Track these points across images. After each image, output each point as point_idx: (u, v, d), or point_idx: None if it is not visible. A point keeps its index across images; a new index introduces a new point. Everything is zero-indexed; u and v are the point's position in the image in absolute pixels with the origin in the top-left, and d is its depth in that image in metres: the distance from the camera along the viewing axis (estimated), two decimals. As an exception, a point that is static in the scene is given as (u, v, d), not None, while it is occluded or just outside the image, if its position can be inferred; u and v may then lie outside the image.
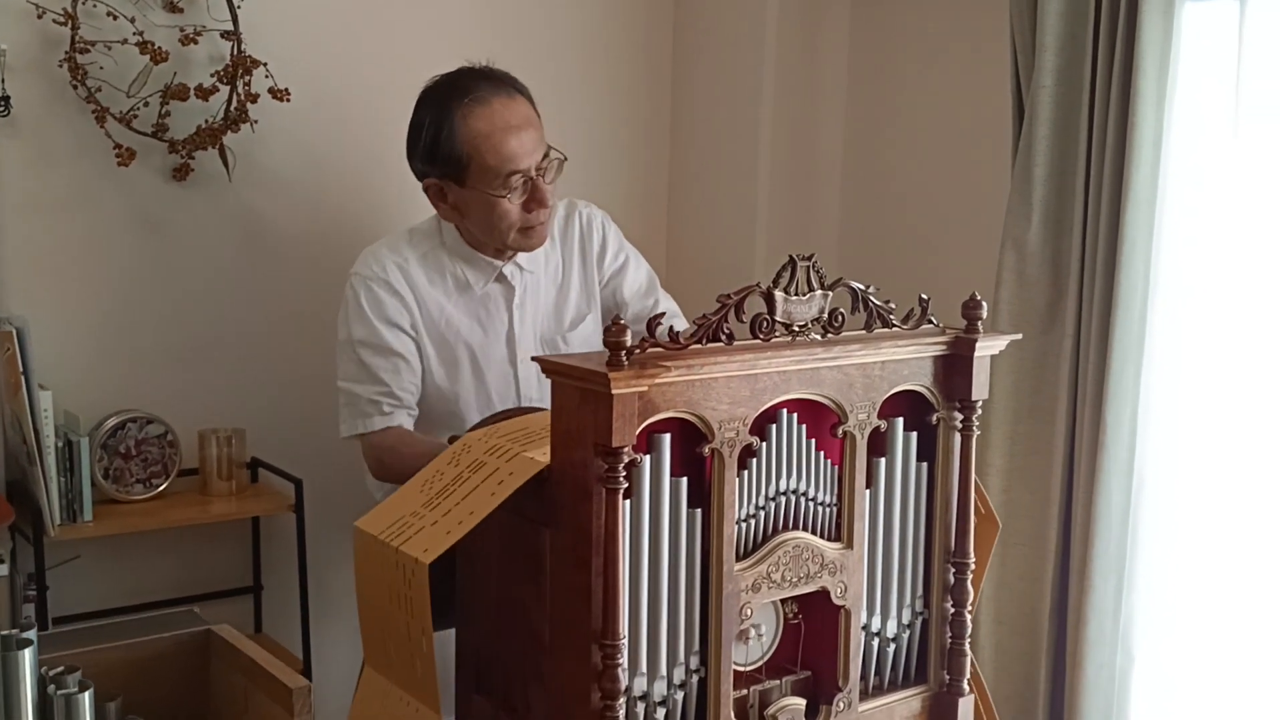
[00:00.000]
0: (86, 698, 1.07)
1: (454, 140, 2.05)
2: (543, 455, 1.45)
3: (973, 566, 1.72)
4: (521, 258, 2.20)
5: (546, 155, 2.10)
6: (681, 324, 2.30)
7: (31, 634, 1.07)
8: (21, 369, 2.11)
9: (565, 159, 2.12)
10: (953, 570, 1.72)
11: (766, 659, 1.61)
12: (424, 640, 1.42)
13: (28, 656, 1.01)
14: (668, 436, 1.43)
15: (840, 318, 1.55)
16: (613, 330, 1.34)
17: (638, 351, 1.37)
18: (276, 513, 2.51)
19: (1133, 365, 2.16)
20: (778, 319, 1.49)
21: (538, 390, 2.17)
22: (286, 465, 2.52)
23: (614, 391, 1.32)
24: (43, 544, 2.21)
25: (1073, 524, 2.28)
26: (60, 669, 1.09)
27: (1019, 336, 1.86)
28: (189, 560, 2.58)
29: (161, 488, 2.43)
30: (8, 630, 1.01)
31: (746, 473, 1.50)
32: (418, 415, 2.19)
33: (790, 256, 1.51)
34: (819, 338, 1.54)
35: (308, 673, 2.49)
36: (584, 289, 2.28)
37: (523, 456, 1.46)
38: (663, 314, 1.49)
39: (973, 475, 1.71)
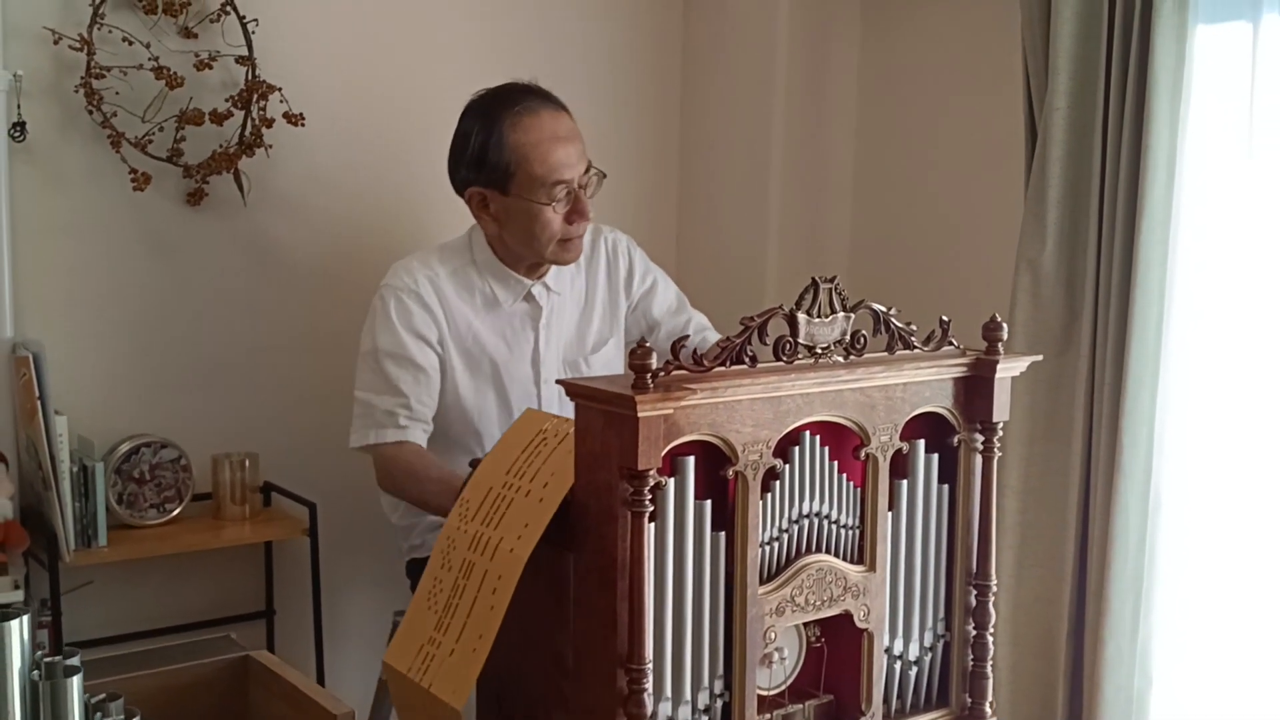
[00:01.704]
0: (130, 726, 1.07)
1: (502, 148, 2.07)
2: (523, 541, 1.46)
3: (994, 589, 1.71)
4: (550, 278, 2.21)
5: (588, 170, 2.12)
6: (715, 336, 2.32)
7: (76, 660, 1.06)
8: (38, 394, 2.11)
9: (605, 175, 2.14)
10: (974, 593, 1.71)
11: (789, 683, 1.60)
12: None
13: (75, 685, 1.00)
14: (691, 459, 1.43)
15: (862, 340, 1.55)
16: (638, 353, 1.34)
17: (662, 374, 1.37)
18: (290, 537, 2.51)
19: (1148, 386, 2.16)
20: (801, 341, 1.49)
21: (559, 410, 2.17)
22: (300, 489, 2.52)
23: (640, 414, 1.32)
24: (58, 569, 2.20)
25: (1089, 545, 2.27)
26: (102, 696, 1.08)
27: (1039, 358, 1.86)
28: (202, 585, 2.58)
29: (175, 512, 2.43)
30: (53, 657, 1.00)
31: (770, 495, 1.50)
32: (440, 431, 2.19)
33: (813, 278, 1.50)
34: (841, 360, 1.53)
35: (321, 698, 2.49)
36: (608, 313, 2.30)
37: (503, 553, 1.47)
38: (686, 338, 1.49)
39: (994, 497, 1.70)
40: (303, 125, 2.45)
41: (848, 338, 1.54)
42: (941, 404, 1.66)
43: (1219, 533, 2.19)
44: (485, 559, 1.50)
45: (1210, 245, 2.16)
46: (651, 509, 1.37)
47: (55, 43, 2.27)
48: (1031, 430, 2.33)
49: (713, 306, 2.51)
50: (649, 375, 1.34)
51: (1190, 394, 2.18)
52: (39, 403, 2.11)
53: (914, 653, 1.68)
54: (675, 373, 1.39)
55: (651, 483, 1.36)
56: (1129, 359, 2.15)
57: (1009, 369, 1.68)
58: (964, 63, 2.64)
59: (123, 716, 1.06)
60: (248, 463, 2.49)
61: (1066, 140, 2.25)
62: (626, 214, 2.89)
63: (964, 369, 1.66)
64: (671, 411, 1.37)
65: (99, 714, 1.06)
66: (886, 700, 1.66)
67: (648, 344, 1.35)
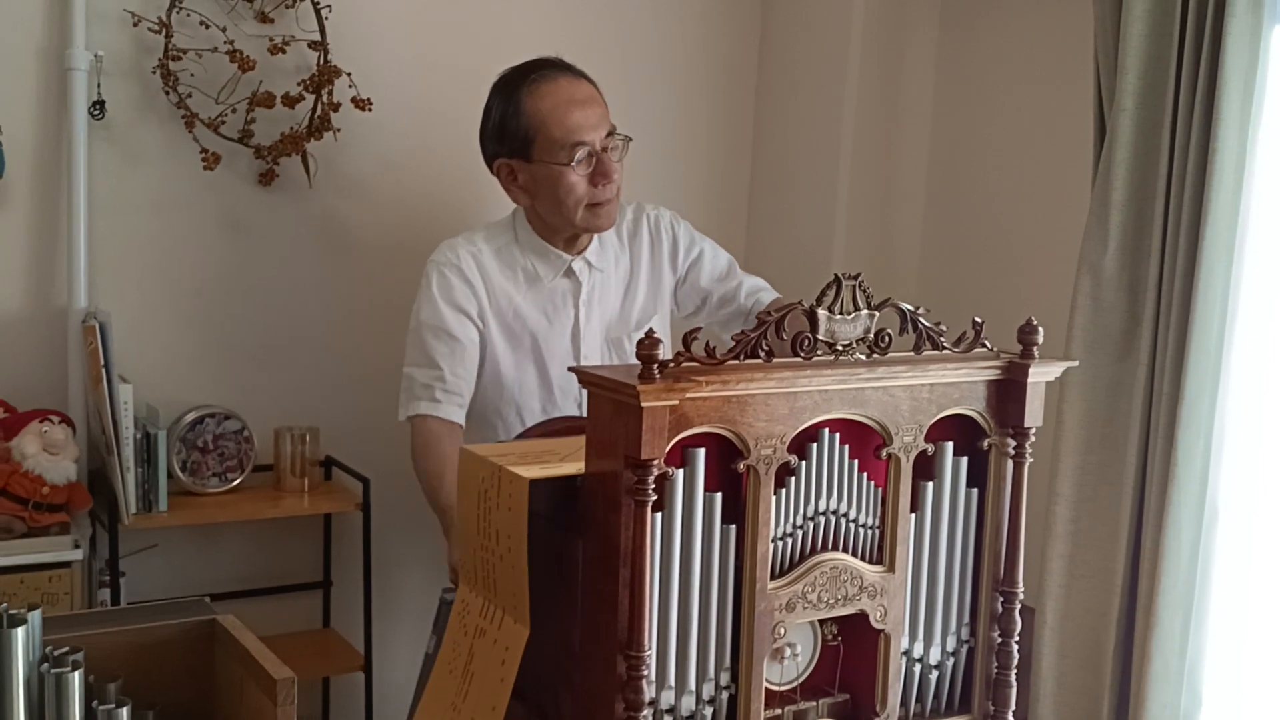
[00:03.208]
0: (76, 677, 1.12)
1: (520, 116, 2.11)
2: (519, 611, 1.49)
3: (1021, 596, 1.68)
4: (591, 254, 2.23)
5: (611, 134, 2.13)
6: (770, 295, 2.33)
7: (30, 614, 1.12)
8: (103, 362, 2.19)
9: (630, 139, 2.15)
10: (1001, 600, 1.68)
11: (803, 679, 1.60)
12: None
13: (20, 635, 1.06)
14: (702, 451, 1.43)
15: (887, 338, 1.53)
16: (645, 343, 1.35)
17: (671, 365, 1.38)
18: (346, 510, 2.57)
19: (1208, 395, 2.09)
20: (820, 337, 1.48)
21: None
22: (358, 464, 2.58)
23: (643, 404, 1.33)
24: (117, 532, 2.29)
25: (1141, 557, 2.21)
26: (65, 649, 1.14)
27: (1075, 363, 1.83)
28: (262, 554, 2.65)
29: (236, 482, 2.50)
30: (60, 667, 1.07)
31: (784, 491, 1.49)
32: (475, 404, 2.21)
33: (835, 274, 1.49)
34: (863, 358, 1.52)
35: (368, 668, 2.54)
36: (652, 290, 2.31)
37: (508, 625, 1.50)
38: (697, 330, 1.49)
39: (1023, 503, 1.67)
40: (370, 110, 2.50)
41: (871, 335, 1.52)
42: (972, 407, 1.63)
43: (1276, 550, 2.12)
44: (494, 628, 1.53)
45: (1278, 251, 2.09)
46: (656, 498, 1.38)
47: (135, 25, 2.35)
48: (1088, 438, 2.28)
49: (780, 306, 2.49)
50: (655, 366, 1.35)
51: (1250, 405, 2.11)
52: (103, 370, 2.19)
53: (935, 657, 1.66)
54: (685, 364, 1.39)
55: (656, 473, 1.36)
56: (1188, 367, 2.09)
57: (1043, 373, 1.64)
58: (1038, 62, 2.59)
59: (70, 668, 1.11)
60: (308, 436, 2.55)
61: (1133, 141, 2.19)
62: (698, 205, 2.90)
63: (997, 372, 1.63)
64: (678, 403, 1.37)
65: (47, 664, 1.11)
66: (905, 703, 1.64)
67: (655, 335, 1.35)
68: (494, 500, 1.50)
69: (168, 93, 2.38)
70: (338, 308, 2.66)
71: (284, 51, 2.46)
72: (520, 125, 2.11)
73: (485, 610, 1.56)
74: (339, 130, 2.51)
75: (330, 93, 2.48)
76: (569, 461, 1.51)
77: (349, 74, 2.49)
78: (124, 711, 1.15)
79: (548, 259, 2.22)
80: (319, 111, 2.48)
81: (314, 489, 2.57)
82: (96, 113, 2.35)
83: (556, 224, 2.19)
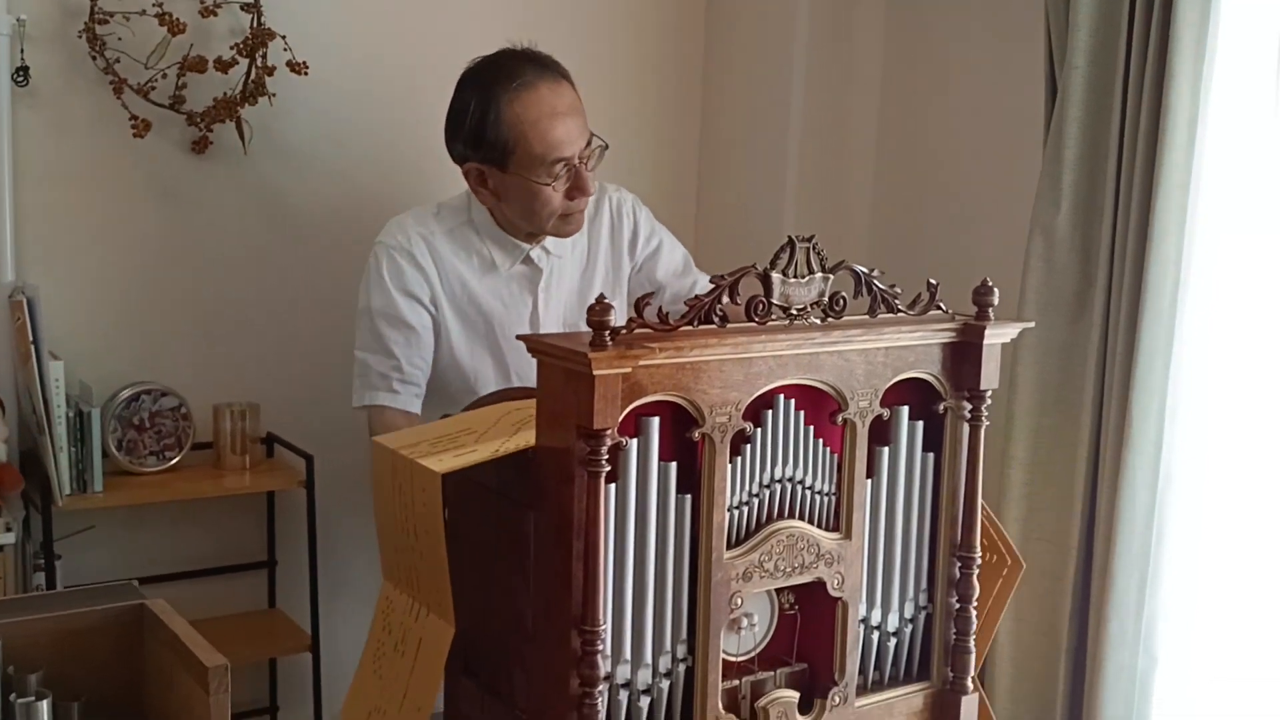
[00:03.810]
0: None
1: (500, 126, 2.02)
2: (446, 616, 1.43)
3: (979, 561, 1.67)
4: (549, 241, 2.18)
5: (589, 143, 2.06)
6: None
7: None
8: (32, 339, 2.11)
9: (607, 146, 2.08)
10: (958, 564, 1.67)
11: (760, 649, 1.57)
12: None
13: None
14: (656, 420, 1.39)
15: (842, 301, 1.50)
16: (596, 309, 1.30)
17: (624, 332, 1.33)
18: (289, 488, 2.51)
19: (1161, 357, 2.08)
20: (774, 301, 1.45)
21: None
22: (301, 441, 2.52)
23: (595, 372, 1.29)
24: (51, 514, 2.22)
25: (1096, 520, 2.20)
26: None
27: (1031, 324, 1.80)
28: (204, 534, 2.59)
29: (174, 461, 2.43)
30: None
31: (740, 459, 1.46)
32: (433, 392, 2.17)
33: (789, 237, 1.46)
34: (818, 322, 1.49)
35: (315, 648, 2.49)
36: (611, 274, 2.26)
37: (433, 623, 1.45)
38: (652, 294, 1.45)
39: (980, 467, 1.65)
40: (306, 74, 2.43)
41: (826, 299, 1.49)
42: (928, 370, 1.61)
43: (1230, 510, 2.12)
44: (419, 626, 1.47)
45: (1231, 209, 2.07)
46: (609, 469, 1.34)
47: (58, -14, 2.26)
48: (1041, 401, 2.27)
49: (732, 268, 2.45)
50: (608, 332, 1.31)
51: (1205, 366, 2.10)
52: (32, 347, 2.11)
53: (893, 624, 1.64)
54: (638, 331, 1.35)
55: (609, 443, 1.32)
56: (1142, 328, 2.08)
57: (998, 335, 1.62)
58: (988, 21, 2.56)
59: (32, 698, 1.05)
60: (249, 413, 2.48)
61: (1085, 100, 2.17)
62: (647, 174, 2.85)
63: (952, 334, 1.61)
64: (630, 370, 1.33)
65: (13, 695, 1.05)
66: (863, 671, 1.62)
67: (605, 300, 1.30)
68: (409, 495, 1.44)
69: (94, 57, 2.29)
70: (276, 279, 2.58)
71: (215, 14, 2.38)
72: (499, 135, 2.02)
73: (411, 608, 1.50)
74: (274, 95, 2.43)
75: (265, 56, 2.39)
76: (486, 440, 1.45)
77: (284, 37, 2.40)
78: (44, 705, 1.09)
79: (505, 247, 2.17)
80: (253, 76, 2.40)
81: (255, 466, 2.51)
82: (20, 79, 2.25)
83: (522, 226, 2.14)
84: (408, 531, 1.46)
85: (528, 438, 1.42)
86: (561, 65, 2.10)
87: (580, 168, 2.06)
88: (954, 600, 1.67)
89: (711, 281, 1.41)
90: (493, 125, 2.02)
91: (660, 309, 1.38)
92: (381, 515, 1.53)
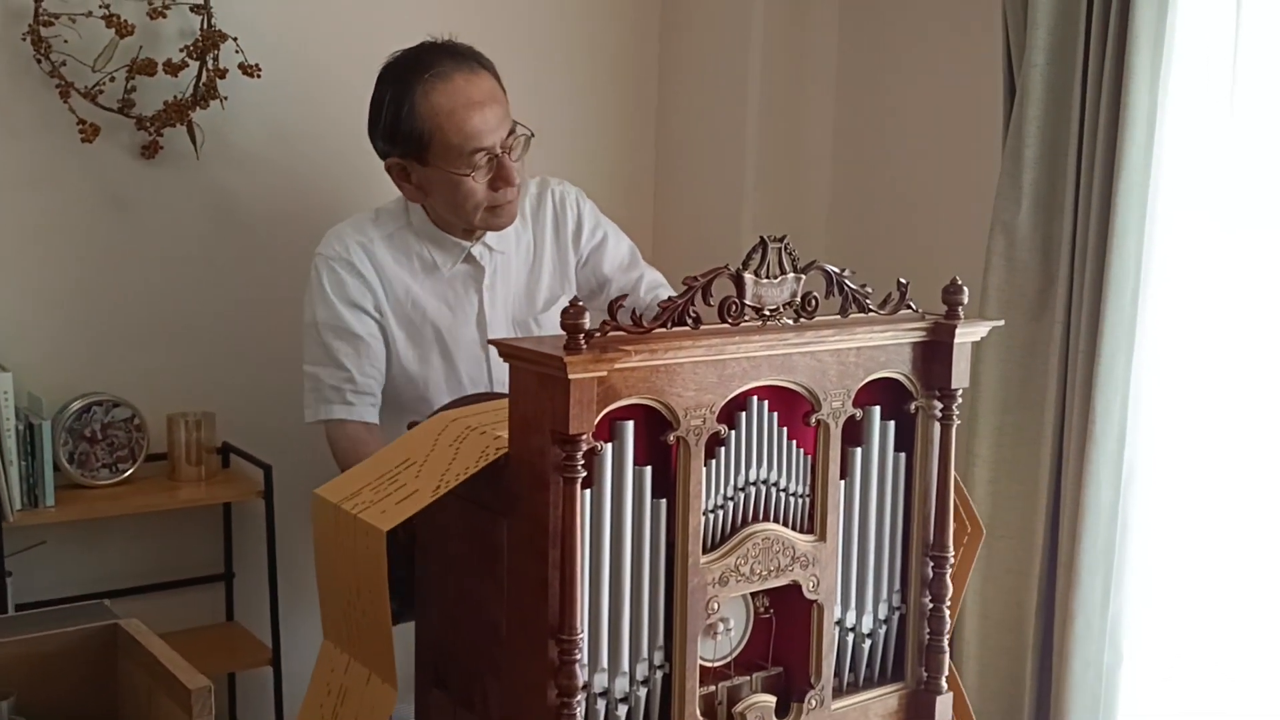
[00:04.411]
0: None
1: (415, 117, 1.99)
2: (389, 679, 1.38)
3: (952, 561, 1.66)
4: (491, 238, 2.14)
5: (512, 132, 2.03)
6: (668, 293, 2.25)
7: None
8: (-22, 350, 2.05)
9: (532, 135, 2.06)
10: (931, 564, 1.66)
11: (736, 654, 1.55)
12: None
13: None
14: (631, 424, 1.37)
15: (814, 302, 1.49)
16: (570, 312, 1.28)
17: (598, 335, 1.31)
18: (246, 499, 2.46)
19: (1123, 354, 2.10)
20: (747, 302, 1.43)
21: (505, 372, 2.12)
22: (258, 451, 2.47)
23: (571, 376, 1.26)
24: (1, 530, 2.15)
25: (1061, 517, 2.22)
26: None
27: (1000, 323, 1.80)
28: (160, 547, 2.53)
29: (128, 473, 2.38)
30: None
31: (714, 462, 1.44)
32: (387, 401, 2.13)
33: (761, 237, 1.44)
34: (790, 322, 1.47)
35: (276, 662, 2.45)
36: (558, 270, 2.23)
37: (374, 685, 1.39)
38: (624, 296, 1.43)
39: (953, 466, 1.65)
40: (259, 77, 2.38)
41: (798, 299, 1.48)
42: (899, 369, 1.60)
43: (1193, 506, 2.14)
44: (360, 686, 1.42)
45: (1190, 207, 2.09)
46: (585, 475, 1.32)
47: (1, -12, 2.21)
48: (1004, 398, 2.28)
49: (689, 267, 2.43)
50: (582, 336, 1.29)
51: (1167, 362, 2.12)
52: (-21, 359, 2.05)
53: (867, 625, 1.63)
54: (612, 334, 1.33)
55: (585, 448, 1.30)
56: (1104, 325, 2.09)
57: (969, 334, 1.62)
58: (946, 19, 2.57)
59: None
60: (203, 423, 2.43)
61: (1044, 98, 2.18)
62: (601, 183, 2.82)
63: (922, 333, 1.61)
64: (606, 374, 1.31)
65: None
66: (838, 673, 1.61)
67: (580, 303, 1.28)
68: (351, 551, 1.39)
69: (39, 60, 2.23)
70: (230, 286, 2.53)
71: (164, 16, 2.32)
72: (414, 128, 1.99)
73: (350, 668, 1.45)
74: (226, 99, 2.38)
75: (216, 58, 2.35)
76: (428, 469, 1.40)
77: (235, 39, 2.36)
78: (18, 731, 1.05)
79: (444, 247, 2.13)
80: (204, 79, 2.35)
81: (211, 477, 2.46)
82: (-39, 83, 2.20)
83: (453, 221, 2.11)
84: (351, 589, 1.42)
85: (469, 462, 1.38)
86: (483, 56, 2.08)
87: (503, 157, 2.02)
88: (927, 600, 1.67)
89: (684, 283, 1.40)
90: (408, 117, 2.00)
91: (634, 311, 1.36)
92: (322, 573, 1.48)
